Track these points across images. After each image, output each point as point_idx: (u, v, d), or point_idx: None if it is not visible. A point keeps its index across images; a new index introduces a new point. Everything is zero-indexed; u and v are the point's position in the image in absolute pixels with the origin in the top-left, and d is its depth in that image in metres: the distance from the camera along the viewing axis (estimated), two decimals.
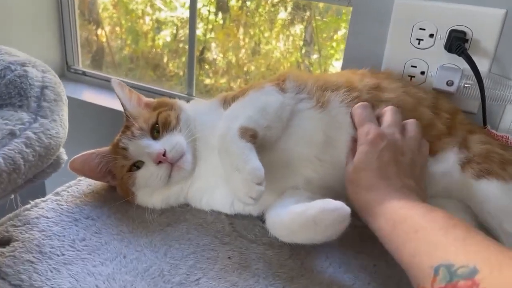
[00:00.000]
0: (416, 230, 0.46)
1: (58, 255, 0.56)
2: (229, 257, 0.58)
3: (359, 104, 0.64)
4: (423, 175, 0.60)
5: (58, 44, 1.35)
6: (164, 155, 0.62)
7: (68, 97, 1.28)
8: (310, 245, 0.60)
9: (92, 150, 0.68)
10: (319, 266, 0.58)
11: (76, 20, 1.35)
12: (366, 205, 0.55)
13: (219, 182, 0.64)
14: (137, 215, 0.65)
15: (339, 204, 0.53)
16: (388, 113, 0.63)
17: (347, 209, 0.53)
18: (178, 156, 0.63)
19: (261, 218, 0.65)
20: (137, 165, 0.65)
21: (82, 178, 0.72)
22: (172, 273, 0.55)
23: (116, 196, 0.69)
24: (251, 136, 0.58)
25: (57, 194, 0.67)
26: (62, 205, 0.65)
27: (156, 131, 0.66)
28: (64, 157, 0.60)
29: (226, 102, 0.68)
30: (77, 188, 0.69)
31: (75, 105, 1.27)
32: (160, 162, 0.63)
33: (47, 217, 0.62)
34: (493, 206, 0.60)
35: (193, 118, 0.69)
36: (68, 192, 0.68)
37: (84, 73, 1.36)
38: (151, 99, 0.75)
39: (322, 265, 0.59)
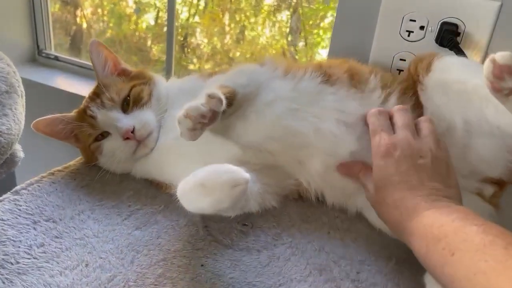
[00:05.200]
0: (452, 252, 0.43)
1: (12, 264, 0.50)
2: (202, 265, 0.54)
3: (373, 111, 0.59)
4: (450, 171, 0.55)
5: (28, 26, 1.27)
6: (132, 132, 0.63)
7: (39, 84, 1.22)
8: (290, 250, 0.57)
9: (58, 115, 0.68)
10: (299, 275, 0.54)
11: (47, 0, 1.26)
12: (397, 223, 0.52)
13: (185, 153, 0.63)
14: (104, 217, 0.60)
15: (233, 168, 0.48)
16: (396, 114, 0.59)
17: (243, 175, 0.47)
18: (145, 135, 0.64)
19: (243, 222, 0.61)
20: (103, 135, 0.66)
21: (45, 174, 0.67)
22: (139, 284, 0.50)
23: (82, 195, 0.64)
24: (228, 92, 0.58)
25: (16, 193, 0.62)
26: (21, 205, 0.59)
27: (126, 104, 0.67)
28: (20, 154, 0.54)
29: (204, 75, 0.70)
30: (38, 186, 0.64)
31: (47, 92, 1.20)
32: (127, 138, 0.64)
33: (2, 220, 0.56)
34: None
35: (165, 94, 0.70)
36: (28, 190, 0.62)
37: (56, 58, 1.28)
38: (129, 67, 0.74)
39: (302, 273, 0.55)
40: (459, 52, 0.69)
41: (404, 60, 0.77)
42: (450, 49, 0.71)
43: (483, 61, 0.73)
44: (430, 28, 0.73)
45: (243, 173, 0.48)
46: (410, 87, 0.66)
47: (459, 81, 0.60)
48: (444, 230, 0.45)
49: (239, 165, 0.50)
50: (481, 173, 0.62)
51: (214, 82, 0.63)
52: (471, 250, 0.42)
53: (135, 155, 0.65)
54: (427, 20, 0.73)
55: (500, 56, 0.48)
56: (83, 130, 0.66)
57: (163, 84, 0.72)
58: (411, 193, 0.51)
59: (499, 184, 0.63)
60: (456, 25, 0.71)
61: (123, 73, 0.72)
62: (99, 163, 0.68)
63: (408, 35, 0.75)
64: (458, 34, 0.71)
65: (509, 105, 0.51)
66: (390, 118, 0.59)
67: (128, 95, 0.67)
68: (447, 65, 0.63)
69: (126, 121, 0.64)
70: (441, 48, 0.73)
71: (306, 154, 0.61)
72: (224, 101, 0.55)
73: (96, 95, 0.68)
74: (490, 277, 0.39)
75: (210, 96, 0.54)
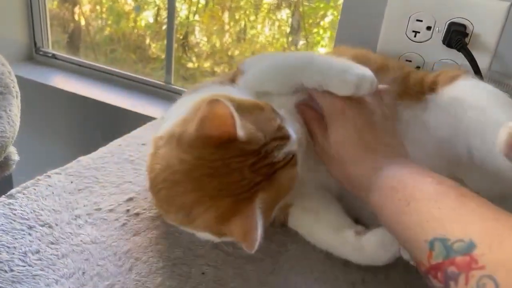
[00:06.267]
0: (408, 202, 0.44)
1: (5, 272, 0.49)
2: (203, 273, 0.52)
3: None
4: (395, 127, 0.57)
5: (25, 24, 1.25)
6: None
7: (36, 83, 1.20)
8: (294, 258, 0.56)
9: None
10: (304, 284, 0.53)
11: None
12: (355, 180, 0.52)
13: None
14: (102, 222, 0.58)
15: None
16: None
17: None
18: None
19: None
20: None
21: (41, 177, 0.65)
22: None
23: (79, 199, 0.62)
24: None
25: (11, 196, 0.60)
26: (16, 209, 0.57)
27: None
28: (15, 157, 0.52)
29: (224, 80, 0.62)
30: (34, 189, 0.62)
31: (44, 91, 1.18)
32: None
33: None
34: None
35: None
36: (23, 194, 0.61)
37: (54, 56, 1.27)
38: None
39: (306, 281, 0.53)
40: (467, 53, 0.68)
41: (410, 61, 0.75)
42: (458, 50, 0.69)
43: (491, 64, 0.72)
44: (437, 29, 0.72)
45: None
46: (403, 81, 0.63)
47: (477, 107, 0.56)
48: (403, 182, 0.46)
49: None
50: None
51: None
52: (426, 198, 0.43)
53: None
54: (434, 20, 0.71)
55: None
56: None
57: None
58: (369, 150, 0.52)
59: None
60: (464, 26, 0.70)
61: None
62: None
63: (415, 36, 0.73)
64: (466, 34, 0.70)
65: None
66: None
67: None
68: (472, 86, 0.59)
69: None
70: (448, 49, 0.71)
71: None
72: None
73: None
74: (444, 223, 0.40)
75: None
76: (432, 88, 0.61)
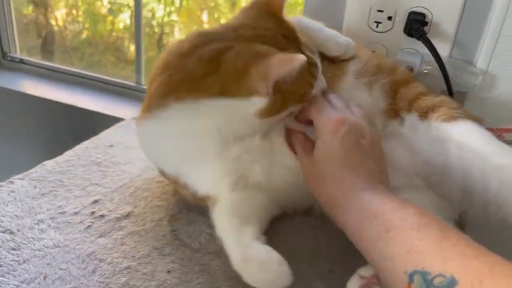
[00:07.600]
0: (388, 229, 0.43)
1: None
2: (169, 271, 0.52)
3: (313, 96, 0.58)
4: (382, 156, 0.56)
5: None
6: None
7: (4, 89, 1.18)
8: None
9: None
10: None
11: (10, 1, 1.22)
12: (332, 198, 0.51)
13: None
14: (66, 225, 0.57)
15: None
16: (334, 98, 0.58)
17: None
18: None
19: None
20: None
21: (3, 183, 0.64)
22: None
23: (42, 203, 0.61)
24: None
25: None
26: None
27: None
28: None
29: None
30: None
31: (13, 97, 1.16)
32: None
33: None
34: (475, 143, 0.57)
35: None
36: None
37: (22, 61, 1.24)
38: None
39: None
40: (426, 41, 0.69)
41: (374, 51, 0.75)
42: (418, 39, 0.70)
43: (451, 52, 0.73)
44: (398, 18, 0.72)
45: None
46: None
47: (480, 154, 0.55)
48: (382, 208, 0.45)
49: None
50: None
51: None
52: (407, 228, 0.42)
53: None
54: (395, 10, 0.72)
55: None
56: None
57: None
58: (352, 171, 0.51)
59: None
60: (423, 15, 0.71)
61: None
62: None
63: (377, 26, 0.74)
64: (426, 23, 0.71)
65: None
66: None
67: None
68: (474, 131, 0.58)
69: None
70: (409, 38, 0.72)
71: None
72: None
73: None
74: (424, 256, 0.39)
75: None
76: (425, 113, 0.61)
